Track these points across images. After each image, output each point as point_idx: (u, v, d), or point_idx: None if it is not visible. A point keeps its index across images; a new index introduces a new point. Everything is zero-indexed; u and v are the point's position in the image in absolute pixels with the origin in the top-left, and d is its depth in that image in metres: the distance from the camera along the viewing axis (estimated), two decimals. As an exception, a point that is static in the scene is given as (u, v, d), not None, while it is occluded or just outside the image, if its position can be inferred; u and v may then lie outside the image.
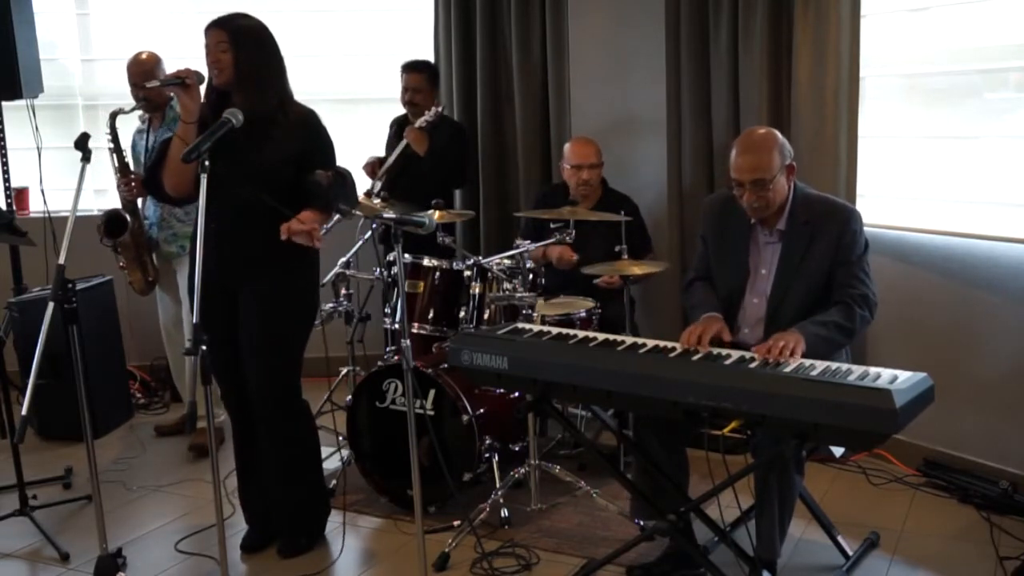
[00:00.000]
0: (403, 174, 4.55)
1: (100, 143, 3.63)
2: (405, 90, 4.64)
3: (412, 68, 4.65)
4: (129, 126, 4.34)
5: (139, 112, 4.21)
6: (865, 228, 3.84)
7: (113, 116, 4.05)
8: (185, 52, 4.93)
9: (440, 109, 4.51)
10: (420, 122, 4.47)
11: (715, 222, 3.12)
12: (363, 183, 4.48)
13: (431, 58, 5.17)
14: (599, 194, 4.31)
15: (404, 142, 4.51)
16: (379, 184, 4.50)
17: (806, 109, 3.92)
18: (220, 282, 3.06)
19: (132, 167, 4.20)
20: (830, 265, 2.89)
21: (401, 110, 4.76)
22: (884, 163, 3.94)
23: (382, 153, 4.77)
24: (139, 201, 4.25)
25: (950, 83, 3.74)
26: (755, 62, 4.08)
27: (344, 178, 3.12)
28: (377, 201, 4.03)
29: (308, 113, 3.16)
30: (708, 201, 3.24)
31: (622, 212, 3.85)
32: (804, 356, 2.62)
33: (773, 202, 2.90)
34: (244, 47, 3.03)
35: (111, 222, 4.05)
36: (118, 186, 4.14)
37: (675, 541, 2.95)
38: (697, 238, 3.29)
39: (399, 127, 4.76)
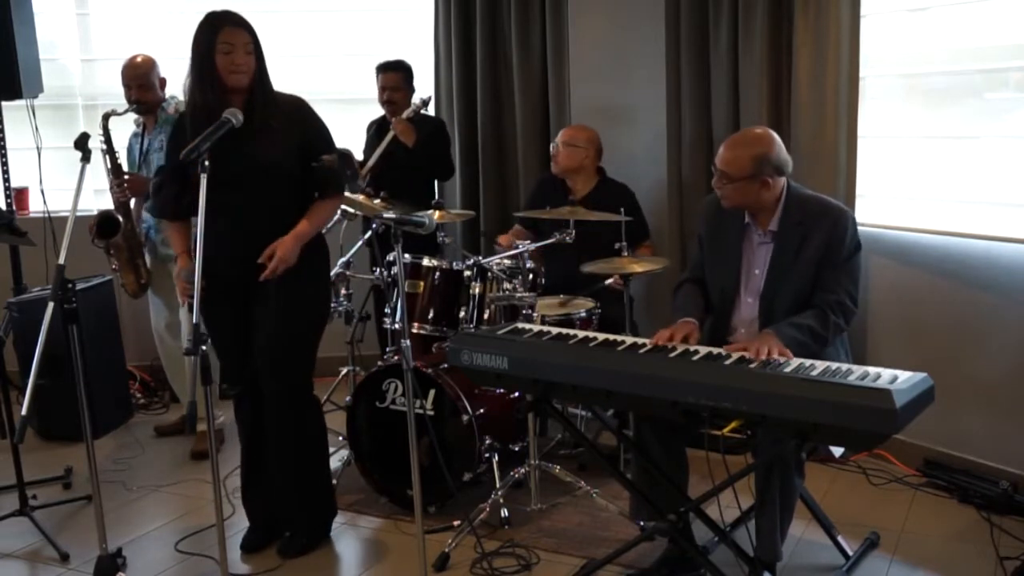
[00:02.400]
0: (389, 169, 4.55)
1: (96, 143, 3.63)
2: (382, 90, 4.66)
3: (387, 68, 4.66)
4: (126, 128, 4.34)
5: (135, 115, 4.22)
6: (865, 228, 3.85)
7: (106, 118, 4.08)
8: (185, 52, 4.94)
9: (425, 98, 4.55)
10: (408, 112, 4.49)
11: (711, 223, 3.13)
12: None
13: (431, 58, 5.18)
14: (594, 183, 4.30)
15: (391, 135, 4.52)
16: (363, 183, 4.50)
17: (806, 109, 3.92)
18: (230, 281, 3.08)
19: (127, 169, 4.22)
20: (817, 264, 2.90)
21: (378, 112, 4.78)
22: (884, 163, 3.94)
23: (360, 157, 4.79)
24: (132, 203, 4.25)
25: (950, 83, 3.74)
26: (755, 62, 4.08)
27: (346, 158, 3.15)
28: (377, 201, 4.03)
29: (298, 101, 3.14)
30: (706, 202, 3.24)
31: (622, 211, 3.84)
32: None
33: (731, 199, 2.92)
34: (260, 50, 3.05)
35: (103, 223, 4.05)
36: (111, 188, 4.15)
37: (673, 543, 2.95)
38: (695, 239, 3.30)
39: (379, 128, 4.78)
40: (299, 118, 3.11)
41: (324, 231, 3.28)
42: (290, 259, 3.04)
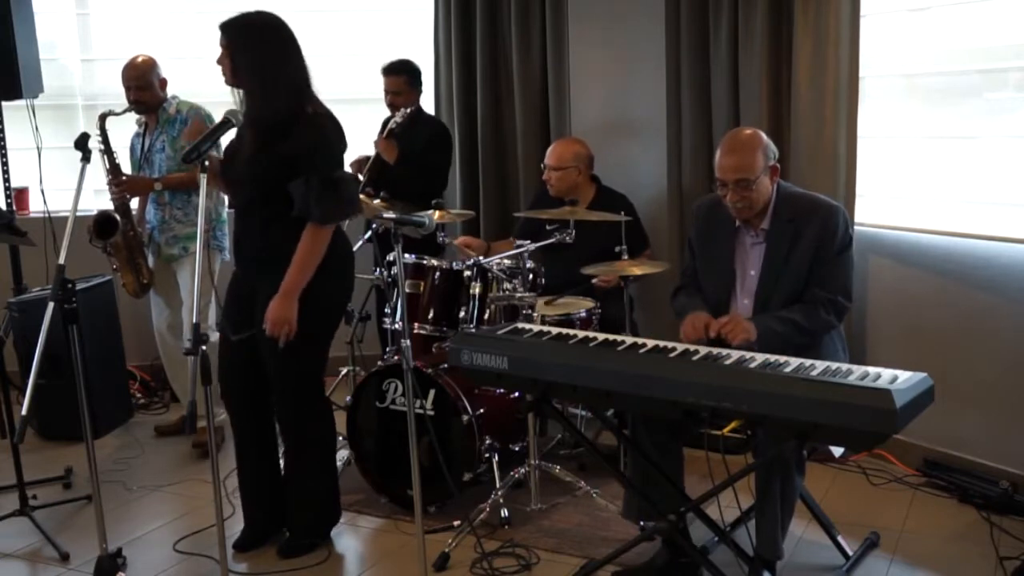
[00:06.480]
0: (380, 178, 4.52)
1: (94, 144, 3.64)
2: (386, 93, 4.64)
3: (391, 71, 4.63)
4: (127, 128, 4.34)
5: (136, 116, 4.22)
6: (865, 228, 3.86)
7: (103, 118, 4.08)
8: (185, 52, 4.95)
9: (409, 111, 4.50)
10: (392, 124, 4.47)
11: (702, 226, 3.15)
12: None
13: (431, 58, 5.17)
14: (592, 194, 4.30)
15: (375, 153, 4.49)
16: (362, 184, 4.49)
17: (806, 109, 3.92)
18: (243, 279, 3.20)
19: (131, 169, 4.22)
20: (810, 261, 2.91)
21: (384, 111, 4.76)
22: (884, 163, 3.94)
23: (372, 152, 4.78)
24: (136, 202, 4.25)
25: (950, 83, 3.74)
26: (755, 62, 4.08)
27: (335, 185, 3.00)
28: (377, 201, 4.03)
29: (312, 117, 3.03)
30: (696, 206, 3.25)
31: (622, 212, 3.85)
32: (753, 347, 2.68)
33: (756, 202, 2.92)
34: (239, 53, 3.02)
35: (101, 223, 4.05)
36: (109, 188, 4.15)
37: (667, 545, 2.96)
38: (687, 243, 3.31)
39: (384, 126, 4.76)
40: (298, 131, 3.00)
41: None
42: (284, 317, 3.01)
